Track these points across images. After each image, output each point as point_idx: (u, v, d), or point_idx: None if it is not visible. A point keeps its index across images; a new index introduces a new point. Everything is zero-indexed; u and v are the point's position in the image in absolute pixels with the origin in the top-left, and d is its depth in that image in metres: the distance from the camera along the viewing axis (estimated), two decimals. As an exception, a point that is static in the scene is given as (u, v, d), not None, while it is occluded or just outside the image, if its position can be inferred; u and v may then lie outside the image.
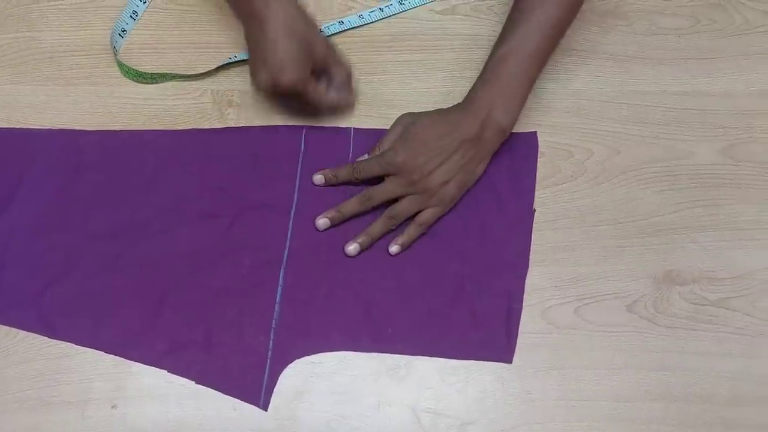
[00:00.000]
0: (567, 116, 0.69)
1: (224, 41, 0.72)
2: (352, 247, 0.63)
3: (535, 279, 0.63)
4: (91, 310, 0.61)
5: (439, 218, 0.64)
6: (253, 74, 0.62)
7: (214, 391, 0.59)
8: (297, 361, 0.60)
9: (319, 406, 0.59)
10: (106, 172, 0.66)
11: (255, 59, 0.62)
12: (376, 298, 0.62)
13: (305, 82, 0.62)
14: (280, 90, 0.62)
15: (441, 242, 0.64)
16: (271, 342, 0.61)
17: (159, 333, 0.61)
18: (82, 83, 0.70)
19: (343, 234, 0.64)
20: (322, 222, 0.64)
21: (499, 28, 0.72)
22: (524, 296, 0.62)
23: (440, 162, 0.62)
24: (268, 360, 0.60)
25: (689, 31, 0.68)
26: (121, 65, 0.70)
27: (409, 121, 0.64)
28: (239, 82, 0.70)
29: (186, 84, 0.70)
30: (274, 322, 0.61)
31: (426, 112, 0.65)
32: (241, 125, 0.68)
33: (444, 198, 0.63)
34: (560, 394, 0.59)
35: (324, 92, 0.65)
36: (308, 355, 0.60)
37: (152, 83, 0.70)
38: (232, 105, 0.69)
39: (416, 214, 0.63)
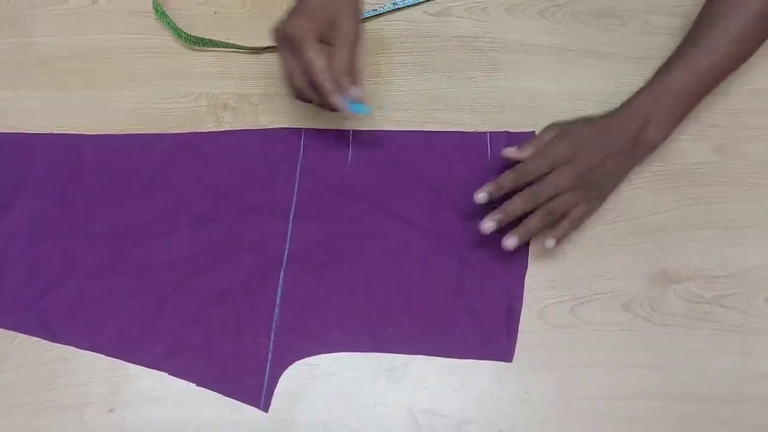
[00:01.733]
0: (562, 116, 0.68)
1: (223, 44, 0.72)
2: (510, 241, 0.60)
3: (530, 279, 0.63)
4: (91, 313, 0.62)
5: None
6: (276, 23, 0.61)
7: (212, 393, 0.59)
8: (294, 362, 0.60)
9: (316, 407, 0.59)
10: (104, 176, 0.67)
11: (290, 8, 0.61)
12: (376, 299, 0.62)
13: (306, 40, 0.59)
14: (285, 38, 0.60)
15: (440, 241, 0.64)
16: (271, 344, 0.61)
17: (159, 336, 0.61)
18: (78, 88, 0.70)
19: (341, 235, 0.64)
20: (488, 225, 0.60)
21: (494, 29, 0.73)
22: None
23: (603, 158, 0.61)
24: (269, 362, 0.60)
25: (683, 30, 0.68)
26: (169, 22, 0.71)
27: (561, 125, 0.63)
28: (234, 85, 0.71)
29: (181, 88, 0.70)
30: (274, 323, 0.61)
31: (575, 118, 0.65)
32: (236, 128, 0.69)
33: (600, 196, 0.63)
34: (557, 394, 0.59)
35: (322, 65, 0.59)
36: (308, 356, 0.61)
37: (196, 46, 0.71)
38: (227, 108, 0.69)
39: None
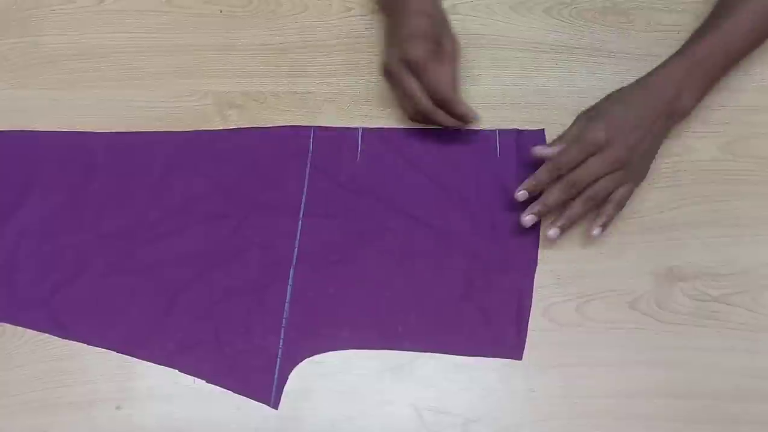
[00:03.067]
0: (568, 114, 0.68)
1: (225, 43, 0.72)
2: (552, 232, 0.61)
3: (536, 277, 0.63)
4: (102, 310, 0.62)
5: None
6: (385, 55, 0.63)
7: (219, 391, 0.59)
8: (303, 360, 0.61)
9: (323, 405, 0.59)
10: (114, 174, 0.67)
11: (388, 42, 0.63)
12: (386, 297, 0.63)
13: (430, 60, 0.62)
14: (408, 63, 0.61)
15: (450, 239, 0.64)
16: (281, 341, 0.61)
17: (169, 332, 0.61)
18: (85, 87, 0.70)
19: (350, 233, 0.64)
20: (528, 219, 0.61)
21: (499, 27, 0.73)
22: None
23: (639, 136, 0.61)
24: (278, 359, 0.60)
25: (689, 28, 0.68)
26: None
27: (589, 113, 0.64)
28: (241, 83, 0.71)
29: (188, 86, 0.70)
30: (284, 321, 0.62)
31: (604, 97, 0.65)
32: (243, 126, 0.69)
33: (641, 172, 0.63)
34: (564, 392, 0.59)
35: (446, 77, 0.63)
36: (318, 353, 0.61)
37: None
38: (234, 107, 0.70)
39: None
